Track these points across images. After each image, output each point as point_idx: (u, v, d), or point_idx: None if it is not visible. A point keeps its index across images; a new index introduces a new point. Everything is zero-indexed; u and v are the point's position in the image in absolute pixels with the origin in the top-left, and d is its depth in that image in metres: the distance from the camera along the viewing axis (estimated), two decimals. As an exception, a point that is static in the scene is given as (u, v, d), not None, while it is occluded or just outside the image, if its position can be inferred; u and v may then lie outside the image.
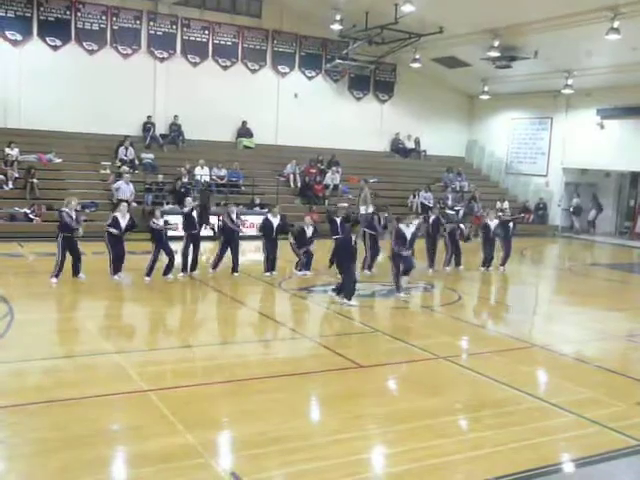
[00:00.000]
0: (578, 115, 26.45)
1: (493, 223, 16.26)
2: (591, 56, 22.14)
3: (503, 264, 16.49)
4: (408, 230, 12.65)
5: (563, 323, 11.99)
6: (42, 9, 21.79)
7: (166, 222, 13.57)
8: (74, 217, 12.66)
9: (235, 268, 14.16)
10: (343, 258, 11.90)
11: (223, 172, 22.67)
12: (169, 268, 13.37)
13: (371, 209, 19.48)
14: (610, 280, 17.32)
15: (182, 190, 20.48)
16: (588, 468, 5.85)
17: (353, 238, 11.85)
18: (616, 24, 18.42)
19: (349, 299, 11.66)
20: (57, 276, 12.41)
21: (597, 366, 8.82)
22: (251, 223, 18.17)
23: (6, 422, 6.16)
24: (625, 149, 24.30)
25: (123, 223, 12.88)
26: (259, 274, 14.18)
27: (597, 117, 25.28)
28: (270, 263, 14.25)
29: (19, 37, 21.53)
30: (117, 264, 12.93)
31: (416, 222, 13.30)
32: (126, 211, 13.18)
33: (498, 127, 29.69)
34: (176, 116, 23.62)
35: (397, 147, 28.86)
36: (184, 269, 13.78)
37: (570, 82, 24.41)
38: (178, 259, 13.67)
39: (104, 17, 22.71)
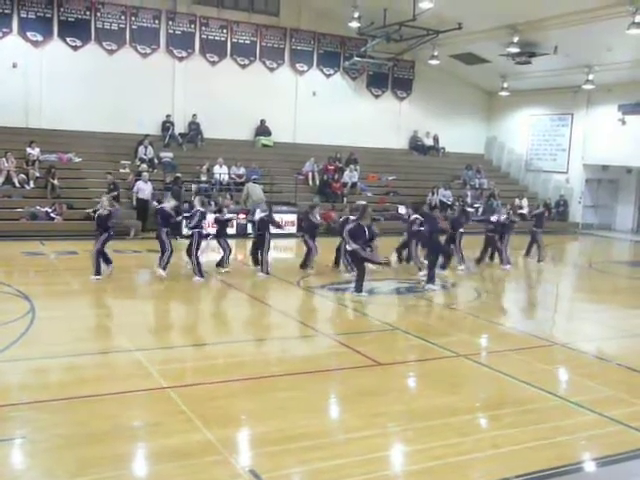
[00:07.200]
0: (599, 111, 26.19)
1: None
2: (612, 51, 21.88)
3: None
4: None
5: (584, 321, 11.89)
6: (62, 10, 21.99)
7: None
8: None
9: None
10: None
11: (241, 170, 22.73)
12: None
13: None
14: (632, 277, 17.13)
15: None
16: (609, 467, 5.79)
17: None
18: (637, 18, 18.13)
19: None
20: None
21: (618, 364, 8.72)
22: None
23: (28, 418, 6.22)
24: (647, 145, 24.00)
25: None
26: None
27: (618, 113, 24.96)
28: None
29: (40, 38, 21.75)
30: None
31: None
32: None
33: (518, 124, 29.45)
34: (195, 115, 23.73)
35: (415, 144, 28.75)
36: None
37: (591, 77, 24.14)
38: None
39: (123, 17, 22.87)
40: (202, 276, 13.09)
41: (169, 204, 13.75)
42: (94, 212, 13.55)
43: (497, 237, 16.24)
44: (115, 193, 18.64)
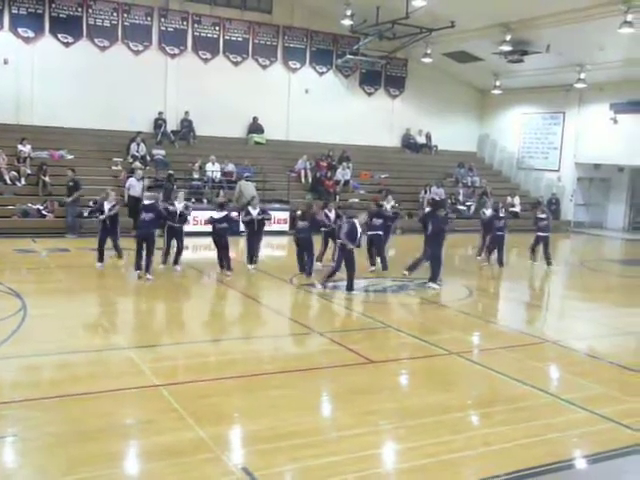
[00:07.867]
0: (591, 109, 26.29)
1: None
2: (604, 50, 21.95)
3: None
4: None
5: (576, 319, 11.95)
6: (54, 6, 21.88)
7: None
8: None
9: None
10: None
11: (230, 167, 22.60)
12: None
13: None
14: (623, 276, 17.21)
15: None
16: (600, 464, 5.82)
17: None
18: (629, 17, 18.24)
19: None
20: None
21: (610, 362, 8.77)
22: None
23: (19, 416, 6.20)
24: (638, 143, 24.07)
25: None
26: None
27: (610, 111, 25.09)
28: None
29: (31, 34, 21.64)
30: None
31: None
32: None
33: (510, 122, 29.53)
34: (187, 112, 23.67)
35: (408, 142, 28.78)
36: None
37: (583, 76, 24.22)
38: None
39: (115, 13, 22.78)
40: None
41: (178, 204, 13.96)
42: (98, 211, 13.71)
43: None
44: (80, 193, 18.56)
